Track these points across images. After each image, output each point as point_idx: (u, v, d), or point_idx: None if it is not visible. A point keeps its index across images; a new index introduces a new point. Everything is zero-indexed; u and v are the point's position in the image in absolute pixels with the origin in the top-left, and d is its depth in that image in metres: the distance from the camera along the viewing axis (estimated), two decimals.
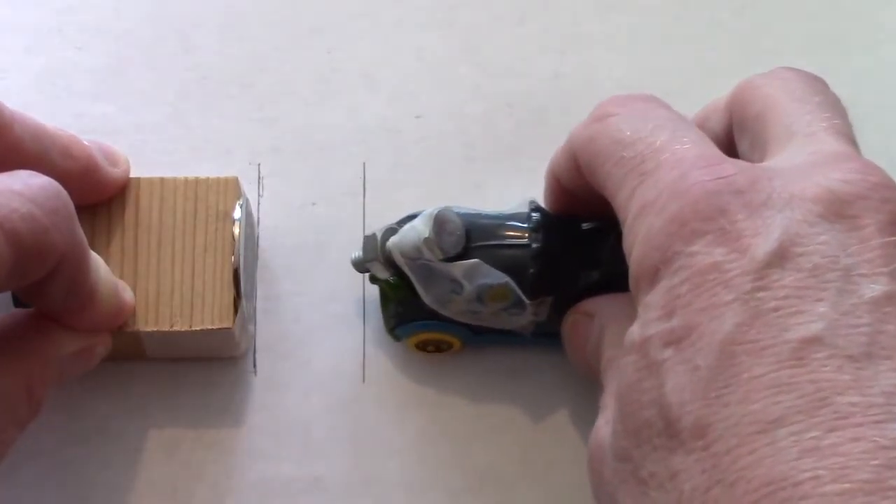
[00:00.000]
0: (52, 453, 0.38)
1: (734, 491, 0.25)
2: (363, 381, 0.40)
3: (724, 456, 0.26)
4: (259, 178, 0.43)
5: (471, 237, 0.37)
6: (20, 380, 0.33)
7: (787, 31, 0.46)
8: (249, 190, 0.42)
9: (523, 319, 0.37)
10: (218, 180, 0.39)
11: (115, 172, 0.38)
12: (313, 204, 0.42)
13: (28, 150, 0.35)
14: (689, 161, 0.30)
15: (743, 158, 0.33)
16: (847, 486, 0.24)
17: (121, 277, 0.37)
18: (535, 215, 0.38)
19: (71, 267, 0.32)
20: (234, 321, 0.37)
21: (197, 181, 0.38)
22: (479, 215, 0.38)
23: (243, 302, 0.38)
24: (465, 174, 0.43)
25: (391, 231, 0.38)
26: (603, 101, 0.34)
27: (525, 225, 0.37)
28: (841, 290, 0.26)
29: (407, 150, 0.43)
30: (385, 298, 0.39)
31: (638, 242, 0.30)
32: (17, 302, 0.36)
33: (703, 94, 0.37)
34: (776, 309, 0.27)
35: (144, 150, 0.42)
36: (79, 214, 0.32)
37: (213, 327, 0.37)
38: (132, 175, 0.39)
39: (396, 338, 0.40)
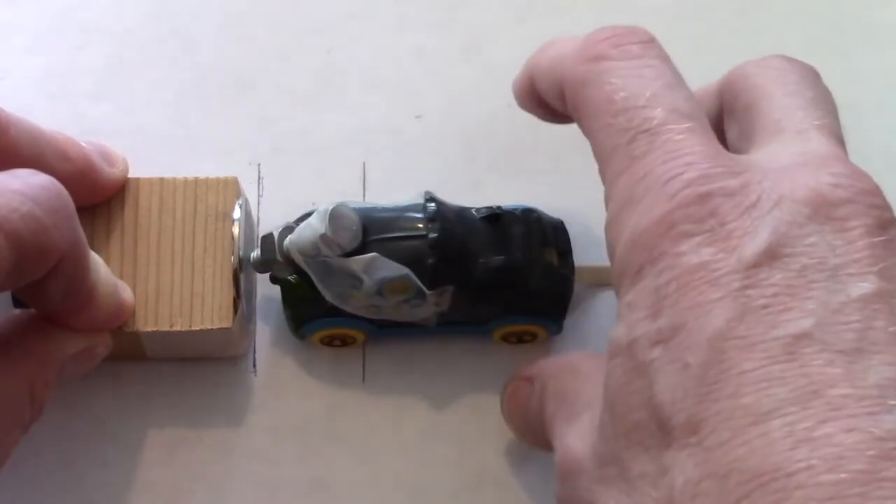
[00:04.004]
0: (52, 453, 0.38)
1: (727, 482, 0.25)
2: (363, 381, 0.40)
3: (716, 449, 0.25)
4: (259, 178, 0.43)
5: (367, 231, 0.37)
6: (23, 382, 0.33)
7: (787, 31, 0.46)
8: (249, 190, 0.42)
9: (425, 311, 0.37)
10: (217, 180, 0.39)
11: (112, 173, 0.38)
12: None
13: (24, 152, 0.35)
14: (682, 157, 0.29)
15: (731, 146, 0.33)
16: (842, 475, 0.24)
17: (121, 277, 0.37)
18: (431, 206, 0.38)
19: (71, 266, 0.32)
20: (233, 321, 0.37)
21: (196, 181, 0.38)
22: (374, 209, 0.38)
23: (243, 302, 0.38)
24: (465, 174, 0.43)
25: (288, 230, 0.38)
26: (595, 36, 0.33)
27: (421, 216, 0.37)
28: (829, 288, 0.26)
29: (407, 150, 0.43)
30: (287, 298, 0.39)
31: (623, 238, 0.29)
32: (17, 302, 0.36)
33: None
34: (765, 306, 0.26)
35: (144, 150, 0.42)
36: (78, 214, 0.32)
37: (213, 327, 0.37)
38: (132, 175, 0.39)
39: (301, 337, 0.39)
